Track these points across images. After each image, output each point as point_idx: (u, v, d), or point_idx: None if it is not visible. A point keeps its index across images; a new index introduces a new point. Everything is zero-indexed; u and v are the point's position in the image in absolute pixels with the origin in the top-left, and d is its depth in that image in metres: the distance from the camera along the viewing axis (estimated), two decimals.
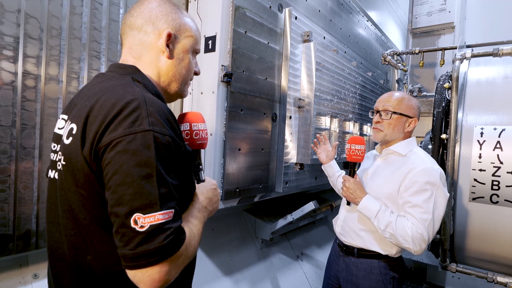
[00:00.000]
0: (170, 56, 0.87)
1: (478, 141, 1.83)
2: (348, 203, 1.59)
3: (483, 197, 1.81)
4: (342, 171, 1.91)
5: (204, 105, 1.71)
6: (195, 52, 0.95)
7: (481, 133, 1.83)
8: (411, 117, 1.54)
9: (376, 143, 1.68)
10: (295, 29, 2.08)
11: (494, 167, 1.77)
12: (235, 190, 1.77)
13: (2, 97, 1.19)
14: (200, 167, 0.99)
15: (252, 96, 1.83)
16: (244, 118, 1.79)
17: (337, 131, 2.51)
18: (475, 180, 1.83)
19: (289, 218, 2.33)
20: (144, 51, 0.86)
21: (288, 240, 2.89)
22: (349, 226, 1.61)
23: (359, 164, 1.74)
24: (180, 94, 0.95)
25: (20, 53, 1.23)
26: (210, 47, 1.68)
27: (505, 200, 1.75)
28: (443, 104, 2.03)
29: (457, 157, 1.90)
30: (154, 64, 0.87)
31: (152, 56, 0.86)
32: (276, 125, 2.04)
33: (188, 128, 0.97)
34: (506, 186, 1.74)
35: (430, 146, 2.18)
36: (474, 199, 1.84)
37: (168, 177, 0.70)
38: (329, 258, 1.82)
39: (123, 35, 0.89)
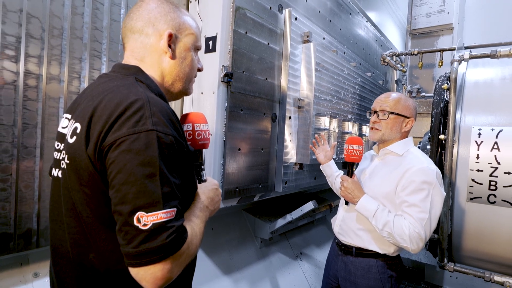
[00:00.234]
0: (173, 56, 0.88)
1: (476, 141, 1.85)
2: (347, 203, 1.61)
3: (480, 197, 1.83)
4: (341, 171, 1.93)
5: (204, 105, 1.72)
6: (197, 49, 0.95)
7: (479, 134, 1.84)
8: (408, 117, 1.56)
9: (374, 143, 1.70)
10: (295, 30, 2.09)
11: (491, 167, 1.79)
12: (235, 189, 1.78)
13: (4, 97, 1.20)
14: (202, 167, 0.99)
15: (252, 96, 1.84)
16: (244, 118, 1.80)
17: (336, 131, 2.52)
18: (472, 180, 1.85)
19: (288, 217, 2.34)
20: (146, 53, 0.87)
21: (287, 239, 2.90)
22: (347, 226, 1.62)
23: (357, 164, 1.76)
24: (185, 92, 0.96)
25: (22, 52, 1.23)
26: (210, 48, 1.69)
27: (502, 200, 1.76)
28: (442, 105, 2.05)
29: (455, 157, 1.91)
30: (157, 65, 0.88)
31: (155, 57, 0.87)
32: (276, 125, 2.05)
33: (191, 128, 0.97)
34: (504, 187, 1.75)
35: (428, 147, 2.19)
36: (471, 199, 1.86)
37: (171, 176, 0.71)
38: (328, 258, 1.83)
39: (124, 38, 0.90)
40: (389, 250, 1.52)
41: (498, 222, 1.79)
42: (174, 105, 1.84)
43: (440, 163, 2.01)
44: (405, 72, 3.24)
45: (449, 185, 1.91)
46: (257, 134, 1.90)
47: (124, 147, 0.68)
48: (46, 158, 1.32)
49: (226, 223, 2.42)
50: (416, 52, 2.77)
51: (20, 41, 1.23)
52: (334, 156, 2.15)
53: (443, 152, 1.98)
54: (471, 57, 1.98)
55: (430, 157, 2.07)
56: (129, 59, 0.89)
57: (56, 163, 0.85)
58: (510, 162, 1.74)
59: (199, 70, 0.98)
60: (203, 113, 1.02)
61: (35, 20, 1.26)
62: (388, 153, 1.59)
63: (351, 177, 1.57)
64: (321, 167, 1.97)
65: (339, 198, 1.80)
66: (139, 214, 0.65)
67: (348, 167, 1.59)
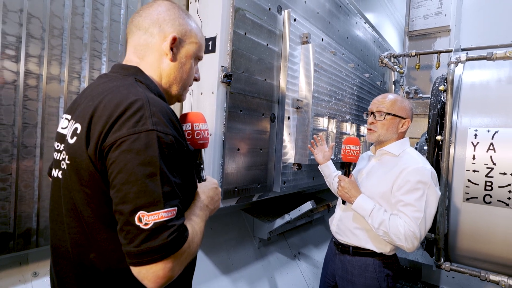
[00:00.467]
0: (173, 59, 0.89)
1: (472, 142, 1.87)
2: (344, 202, 1.63)
3: (476, 198, 1.85)
4: (339, 171, 1.94)
5: (203, 105, 1.73)
6: (198, 58, 0.96)
7: (475, 135, 1.86)
8: (404, 118, 1.58)
9: (371, 144, 1.71)
10: (294, 31, 2.11)
11: (487, 168, 1.81)
12: (233, 189, 1.79)
13: (4, 96, 1.20)
14: (202, 166, 1.00)
15: (251, 96, 1.85)
16: (243, 118, 1.81)
17: (335, 132, 2.53)
18: (469, 180, 1.87)
19: (287, 217, 2.35)
20: (148, 52, 0.88)
21: (285, 239, 2.91)
22: (344, 225, 1.64)
23: (354, 164, 1.77)
24: (179, 97, 0.97)
25: (22, 52, 1.24)
26: (210, 48, 1.70)
27: (497, 200, 1.79)
28: (439, 106, 2.07)
29: (451, 158, 1.93)
30: (157, 66, 0.89)
31: (155, 57, 0.88)
32: (275, 125, 2.06)
33: (190, 128, 0.98)
34: (499, 187, 1.78)
35: (425, 147, 2.21)
36: (468, 199, 1.88)
37: (171, 176, 0.72)
38: (325, 257, 1.85)
39: (129, 33, 0.91)
40: (386, 249, 1.54)
41: (494, 222, 1.81)
42: (173, 105, 1.85)
43: (437, 164, 2.03)
44: (402, 73, 3.26)
45: (446, 186, 1.93)
46: (256, 134, 1.91)
47: (124, 147, 0.68)
48: (46, 157, 1.33)
49: (225, 223, 2.43)
50: (413, 54, 2.79)
51: (20, 41, 1.23)
52: (332, 157, 2.16)
53: (440, 153, 2.00)
54: (468, 59, 2.00)
55: (427, 158, 2.09)
56: (130, 56, 0.90)
57: (56, 164, 0.86)
58: (505, 163, 1.77)
59: (196, 79, 0.99)
60: (202, 113, 1.03)
61: (36, 20, 1.27)
62: (384, 153, 1.61)
63: (348, 177, 1.59)
64: (319, 167, 1.98)
65: (337, 198, 1.81)
66: (140, 213, 0.65)
67: (345, 167, 1.61)
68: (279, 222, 2.40)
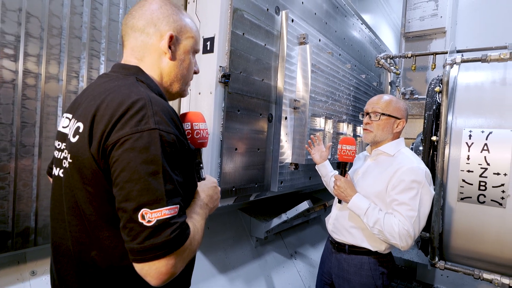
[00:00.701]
0: (172, 58, 0.89)
1: (466, 143, 1.90)
2: (340, 201, 1.65)
3: (470, 197, 1.88)
4: (335, 171, 1.96)
5: (202, 105, 1.73)
6: (195, 52, 0.97)
7: (470, 136, 1.89)
8: (399, 119, 1.61)
9: (367, 144, 1.74)
10: (292, 32, 2.12)
11: (481, 168, 1.84)
12: (231, 189, 1.80)
13: (3, 95, 1.20)
14: (201, 165, 1.01)
15: (249, 97, 1.86)
16: (241, 118, 1.82)
17: (331, 132, 2.55)
18: (463, 180, 1.90)
19: (284, 217, 2.37)
20: (146, 52, 0.88)
21: (282, 238, 2.93)
22: (340, 224, 1.66)
23: (350, 164, 1.79)
24: (181, 93, 0.97)
25: (21, 51, 1.24)
26: (208, 48, 1.71)
27: (491, 200, 1.82)
28: (434, 107, 2.10)
29: (446, 158, 1.96)
30: (157, 65, 0.89)
31: (154, 57, 0.88)
32: (272, 125, 2.08)
33: (189, 127, 0.99)
34: (493, 187, 1.81)
35: (421, 148, 2.24)
36: (462, 199, 1.91)
37: (173, 174, 0.73)
38: (322, 256, 1.87)
39: (124, 36, 0.90)
40: (381, 247, 1.56)
41: (487, 221, 1.84)
42: (171, 105, 1.86)
43: (432, 164, 2.05)
44: (399, 74, 3.29)
45: (441, 185, 1.95)
46: (253, 134, 1.92)
47: (127, 146, 0.69)
48: (44, 156, 1.33)
49: (222, 222, 2.44)
50: (409, 55, 2.82)
51: (19, 40, 1.23)
52: (329, 157, 2.18)
53: (435, 153, 2.03)
54: (463, 61, 2.03)
55: (422, 158, 2.12)
56: (128, 58, 0.90)
57: (58, 162, 0.86)
58: (499, 163, 1.80)
59: (195, 72, 1.00)
60: (201, 113, 1.04)
61: (34, 19, 1.27)
62: (380, 153, 1.64)
63: (344, 176, 1.61)
64: (316, 167, 2.00)
65: (334, 198, 1.83)
66: (144, 211, 0.66)
67: (341, 167, 1.63)
68: (276, 221, 2.42)
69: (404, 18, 3.39)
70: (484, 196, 1.84)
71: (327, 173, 1.94)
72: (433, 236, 2.00)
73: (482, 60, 1.96)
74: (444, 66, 2.06)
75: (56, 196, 0.85)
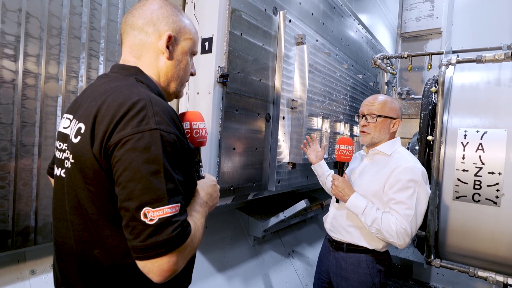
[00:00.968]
0: (170, 57, 0.90)
1: (462, 143, 1.93)
2: (337, 201, 1.67)
3: (466, 196, 1.91)
4: (331, 170, 1.98)
5: (200, 105, 1.75)
6: (193, 53, 0.98)
7: (465, 135, 1.92)
8: (395, 119, 1.63)
9: (363, 144, 1.76)
10: (289, 32, 2.14)
11: (476, 167, 1.87)
12: (229, 188, 1.82)
13: (3, 95, 1.21)
14: (200, 164, 1.02)
15: (247, 96, 1.87)
16: (239, 118, 1.83)
17: (329, 131, 2.58)
18: (458, 179, 1.93)
19: (281, 216, 2.39)
20: (144, 51, 0.89)
21: (279, 237, 2.94)
22: (338, 223, 1.68)
23: (347, 163, 1.82)
24: (177, 94, 0.98)
25: (21, 51, 1.24)
26: (206, 49, 1.72)
27: (486, 199, 1.85)
28: (430, 107, 2.12)
29: (442, 158, 1.99)
30: (155, 65, 0.90)
31: (152, 56, 0.89)
32: (270, 125, 2.09)
33: (189, 126, 1.00)
34: (487, 186, 1.84)
35: (417, 147, 2.27)
36: (457, 197, 1.94)
37: (174, 173, 0.74)
38: (320, 254, 1.89)
39: (123, 34, 0.91)
40: (378, 245, 1.59)
41: (482, 219, 1.87)
42: (170, 105, 1.86)
43: (428, 163, 2.08)
44: (395, 74, 3.32)
45: (436, 184, 1.98)
46: (251, 134, 1.94)
47: (129, 146, 0.70)
48: (44, 156, 1.33)
49: (220, 221, 2.45)
50: (406, 56, 2.85)
51: (19, 40, 1.24)
52: (326, 156, 2.20)
53: (431, 152, 2.05)
54: (458, 62, 2.06)
55: (418, 157, 2.15)
56: (127, 57, 0.91)
57: (59, 163, 0.87)
58: (493, 162, 1.83)
59: (192, 74, 1.01)
60: (200, 112, 1.05)
61: (34, 19, 1.27)
62: (376, 153, 1.66)
63: (341, 176, 1.63)
64: (312, 166, 2.02)
65: (331, 197, 1.85)
66: (146, 209, 0.68)
67: (338, 166, 1.65)
68: (273, 220, 2.43)
69: (401, 19, 3.42)
70: (479, 195, 1.87)
71: (323, 173, 1.96)
72: (429, 235, 2.03)
73: (477, 60, 1.98)
74: (439, 67, 2.08)
75: (58, 195, 0.86)
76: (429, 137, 2.05)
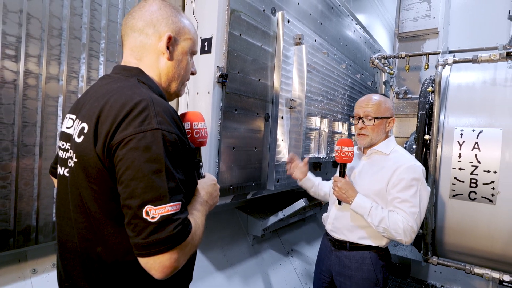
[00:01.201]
0: (170, 58, 0.92)
1: (458, 142, 1.95)
2: (339, 202, 1.65)
3: (462, 194, 1.93)
4: (319, 178, 1.94)
5: (199, 105, 1.76)
6: (193, 53, 0.99)
7: (461, 135, 1.95)
8: (389, 118, 1.66)
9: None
10: (288, 32, 2.16)
11: (472, 166, 1.89)
12: (229, 187, 1.83)
13: (5, 96, 1.22)
14: (201, 163, 1.04)
15: (246, 96, 1.89)
16: (238, 118, 1.85)
17: (327, 131, 2.60)
18: (455, 178, 1.95)
19: (280, 215, 2.41)
20: (145, 52, 0.91)
21: (278, 236, 2.96)
22: (340, 223, 1.69)
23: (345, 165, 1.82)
24: (177, 93, 1.00)
25: (22, 52, 1.25)
26: (206, 49, 1.74)
27: (482, 197, 1.87)
28: (427, 107, 2.15)
29: (439, 156, 2.01)
30: (155, 66, 0.92)
31: (152, 57, 0.91)
32: (269, 125, 2.11)
33: (189, 127, 1.01)
34: (483, 184, 1.86)
35: (414, 146, 2.29)
36: (454, 196, 1.96)
37: (175, 172, 0.75)
38: (319, 254, 1.88)
39: (124, 36, 0.92)
40: (382, 242, 1.62)
41: (478, 217, 1.89)
42: (170, 105, 1.88)
43: (425, 162, 2.10)
44: (393, 74, 3.34)
45: (433, 183, 2.00)
46: (250, 133, 1.95)
47: (131, 145, 0.72)
48: (45, 156, 1.34)
49: (220, 220, 2.47)
50: (403, 55, 2.87)
51: (20, 41, 1.25)
52: (324, 155, 2.22)
53: (428, 151, 2.08)
54: (454, 62, 2.08)
55: (415, 156, 2.17)
56: (128, 59, 0.92)
57: (63, 162, 0.88)
58: (489, 161, 1.85)
59: (193, 73, 1.02)
60: (200, 112, 1.06)
61: (35, 20, 1.28)
62: (374, 152, 1.68)
63: (343, 177, 1.62)
64: (299, 183, 1.95)
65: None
66: (148, 207, 0.69)
67: (340, 168, 1.63)
68: (272, 219, 2.45)
69: (398, 19, 3.44)
70: (475, 193, 1.90)
71: (314, 184, 1.92)
72: (426, 232, 2.05)
73: (473, 61, 2.01)
74: (436, 67, 2.11)
75: (62, 194, 0.88)
76: (426, 136, 2.07)
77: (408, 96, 3.38)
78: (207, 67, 1.72)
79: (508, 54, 1.92)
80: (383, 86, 3.86)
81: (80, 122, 0.83)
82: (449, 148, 1.99)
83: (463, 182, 1.92)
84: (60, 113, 1.39)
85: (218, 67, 1.71)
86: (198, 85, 1.76)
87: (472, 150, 1.90)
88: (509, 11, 2.70)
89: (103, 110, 0.78)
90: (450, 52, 2.68)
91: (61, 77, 1.38)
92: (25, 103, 1.28)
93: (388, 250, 1.71)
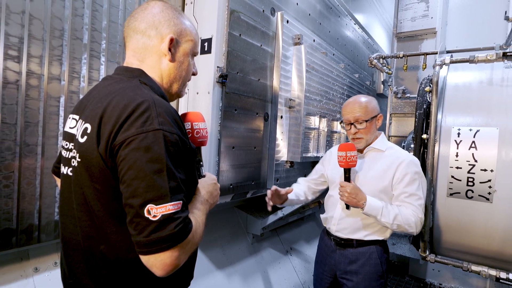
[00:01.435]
0: (172, 59, 0.93)
1: (455, 141, 1.97)
2: (348, 207, 1.61)
3: (459, 193, 1.95)
4: (293, 191, 1.82)
5: (200, 104, 1.78)
6: (194, 54, 1.01)
7: (458, 134, 1.97)
8: (377, 115, 1.70)
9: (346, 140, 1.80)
10: (287, 32, 2.17)
11: (469, 165, 1.91)
12: (229, 186, 1.85)
13: (7, 96, 1.23)
14: (201, 163, 1.06)
15: (245, 96, 1.91)
16: (237, 117, 1.86)
17: (326, 130, 2.61)
18: (452, 177, 1.97)
19: (279, 214, 2.43)
20: (147, 54, 0.92)
21: (278, 235, 2.98)
22: (346, 223, 1.70)
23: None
24: (179, 94, 1.01)
25: (24, 53, 1.27)
26: (206, 49, 1.75)
27: (479, 195, 1.89)
28: (424, 106, 2.17)
29: (436, 155, 2.03)
30: (157, 67, 0.93)
31: (154, 59, 0.92)
32: (268, 124, 2.13)
33: (190, 127, 1.03)
34: (480, 183, 1.88)
35: (412, 145, 2.31)
36: (451, 194, 1.99)
37: (176, 172, 0.77)
38: (319, 255, 1.88)
39: (126, 37, 0.94)
40: (386, 235, 1.68)
41: (475, 215, 1.92)
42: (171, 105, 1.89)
43: (422, 161, 2.12)
44: (391, 74, 3.36)
45: (431, 182, 2.03)
46: (250, 133, 1.97)
47: (133, 146, 0.73)
48: (47, 155, 1.36)
49: (219, 219, 2.49)
50: (401, 55, 2.89)
51: (22, 41, 1.26)
52: (323, 155, 2.22)
53: (426, 150, 2.10)
54: (452, 62, 2.10)
55: (413, 155, 2.20)
56: (130, 60, 0.93)
57: (66, 161, 0.90)
58: (486, 160, 1.87)
59: (194, 74, 1.04)
60: (200, 112, 1.08)
61: (37, 21, 1.30)
62: (371, 150, 1.72)
63: (349, 182, 1.59)
64: (282, 205, 1.84)
65: (324, 196, 1.89)
66: (149, 206, 0.71)
67: (345, 173, 1.60)
68: (272, 218, 2.47)
69: (396, 19, 3.46)
70: (472, 192, 1.92)
71: (299, 198, 1.87)
72: (424, 231, 2.08)
73: (470, 61, 2.03)
74: (434, 67, 2.13)
75: (65, 193, 0.89)
76: (424, 136, 2.09)
77: (406, 95, 3.39)
78: (207, 67, 1.73)
79: (504, 54, 1.94)
80: (382, 85, 3.88)
81: (83, 122, 0.84)
82: (447, 147, 2.01)
83: (460, 180, 1.95)
84: (62, 113, 1.40)
85: (218, 67, 1.73)
86: (198, 85, 1.78)
87: (469, 149, 1.92)
88: (505, 11, 2.72)
89: (106, 111, 0.79)
90: (448, 52, 2.70)
91: (63, 77, 1.40)
92: (28, 103, 1.29)
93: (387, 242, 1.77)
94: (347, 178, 1.60)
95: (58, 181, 1.05)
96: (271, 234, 2.89)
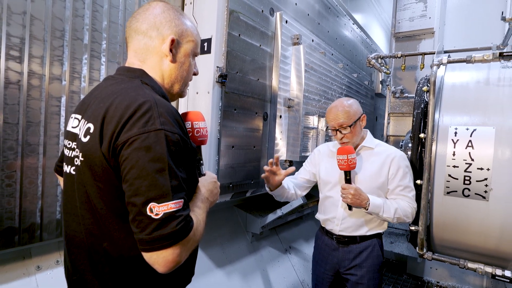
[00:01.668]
0: (173, 60, 0.95)
1: (452, 140, 2.00)
2: (350, 208, 1.64)
3: (456, 191, 1.98)
4: (289, 179, 1.83)
5: (199, 104, 1.79)
6: (195, 55, 1.02)
7: (455, 133, 1.99)
8: (361, 117, 1.74)
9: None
10: (286, 32, 2.19)
11: (466, 163, 1.94)
12: (228, 185, 1.87)
13: (9, 96, 1.24)
14: (201, 162, 1.07)
15: (245, 96, 1.92)
16: (237, 117, 1.88)
17: (324, 129, 2.63)
18: (449, 175, 2.00)
19: (279, 212, 2.44)
20: (148, 55, 0.93)
21: (277, 234, 3.00)
22: (350, 222, 1.74)
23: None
24: (180, 94, 1.03)
25: (26, 53, 1.28)
26: (205, 49, 1.77)
27: (475, 194, 1.92)
28: (422, 106, 2.19)
29: (433, 154, 2.05)
30: (158, 67, 0.94)
31: (156, 59, 0.94)
32: (267, 124, 2.14)
33: (190, 126, 1.04)
34: (477, 181, 1.91)
35: (410, 145, 2.33)
36: (448, 193, 2.01)
37: (178, 171, 0.79)
38: (319, 254, 1.89)
39: (128, 38, 0.95)
40: (385, 227, 1.78)
41: (472, 214, 1.94)
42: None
43: (420, 160, 2.15)
44: (389, 73, 3.38)
45: (428, 180, 2.05)
46: (249, 132, 1.99)
47: (136, 145, 0.75)
48: (49, 155, 1.37)
49: (219, 218, 2.50)
50: (399, 55, 2.91)
51: (24, 42, 1.27)
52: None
53: (423, 149, 2.12)
54: (449, 62, 2.12)
55: (411, 154, 2.22)
56: (132, 60, 0.95)
57: (69, 161, 0.91)
58: (482, 158, 1.90)
59: (195, 74, 1.05)
60: (201, 112, 1.10)
61: (38, 22, 1.31)
62: (361, 148, 1.78)
63: (350, 183, 1.61)
64: (272, 192, 1.79)
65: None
66: (151, 205, 0.72)
67: (346, 175, 1.62)
68: (271, 217, 2.49)
69: (394, 19, 3.48)
70: (469, 190, 1.94)
71: (289, 191, 1.82)
72: (421, 228, 2.10)
73: (467, 61, 2.05)
74: (431, 67, 2.15)
75: (69, 192, 0.91)
76: (421, 135, 2.11)
77: (404, 95, 3.42)
78: (206, 67, 1.75)
79: (501, 54, 1.96)
80: (380, 85, 3.91)
81: (86, 122, 0.86)
82: (444, 146, 2.03)
83: (457, 179, 1.97)
84: (63, 112, 1.41)
85: (217, 67, 1.74)
86: (198, 85, 1.79)
87: (466, 148, 1.94)
88: (502, 12, 2.75)
89: (108, 111, 0.81)
90: (445, 52, 2.72)
91: (64, 77, 1.41)
92: (29, 103, 1.31)
93: None
94: (348, 180, 1.63)
95: (61, 179, 1.07)
96: (270, 233, 2.91)
